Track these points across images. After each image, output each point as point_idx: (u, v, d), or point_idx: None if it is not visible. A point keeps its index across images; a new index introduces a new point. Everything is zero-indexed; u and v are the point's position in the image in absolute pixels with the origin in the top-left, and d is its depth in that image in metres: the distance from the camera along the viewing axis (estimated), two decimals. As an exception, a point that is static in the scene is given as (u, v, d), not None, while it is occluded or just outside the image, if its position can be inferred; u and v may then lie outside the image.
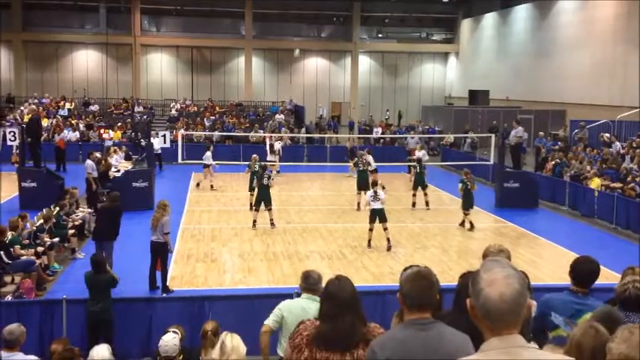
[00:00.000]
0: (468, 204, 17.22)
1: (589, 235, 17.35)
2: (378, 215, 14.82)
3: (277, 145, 25.45)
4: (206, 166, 22.50)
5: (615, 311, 3.75)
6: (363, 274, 12.95)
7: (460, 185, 17.48)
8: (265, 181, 16.59)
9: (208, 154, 22.55)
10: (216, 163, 22.81)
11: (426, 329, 3.06)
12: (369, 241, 15.09)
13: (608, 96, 28.26)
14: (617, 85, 28.20)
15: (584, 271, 4.74)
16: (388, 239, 14.96)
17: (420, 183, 20.05)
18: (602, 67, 29.28)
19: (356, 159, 21.15)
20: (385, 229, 14.90)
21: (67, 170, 25.38)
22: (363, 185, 19.21)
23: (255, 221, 16.64)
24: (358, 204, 19.27)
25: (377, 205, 14.78)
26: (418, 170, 20.20)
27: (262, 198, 16.63)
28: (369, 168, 20.58)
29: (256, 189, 16.97)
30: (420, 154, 22.33)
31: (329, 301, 3.96)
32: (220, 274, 13.10)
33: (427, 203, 19.93)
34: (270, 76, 45.75)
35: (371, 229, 15.02)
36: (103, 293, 8.93)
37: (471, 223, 17.24)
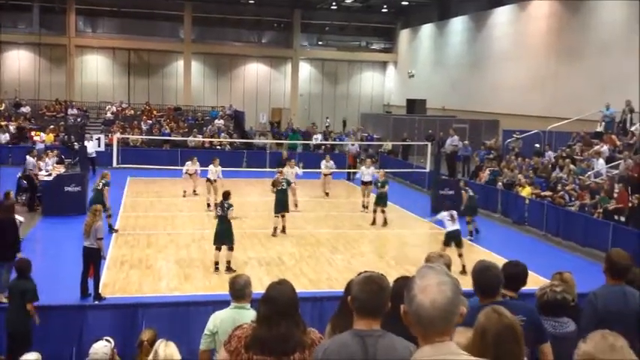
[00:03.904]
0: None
1: (520, 241, 17.84)
2: (456, 238, 13.84)
3: (298, 171, 21.50)
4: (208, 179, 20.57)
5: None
6: (301, 280, 12.94)
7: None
8: (219, 212, 13.58)
9: (212, 167, 20.59)
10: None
11: (373, 341, 2.97)
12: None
13: (539, 107, 29.20)
14: (548, 96, 29.18)
15: (509, 275, 4.66)
16: (464, 267, 13.34)
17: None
18: (534, 79, 30.24)
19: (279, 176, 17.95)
20: (460, 255, 13.72)
21: (-4, 173, 24.46)
22: (282, 207, 17.05)
23: (217, 262, 13.50)
24: (275, 229, 16.97)
25: (454, 227, 13.90)
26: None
27: (221, 234, 13.49)
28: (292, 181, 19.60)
29: (216, 222, 13.90)
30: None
31: (266, 305, 3.92)
32: (155, 281, 12.86)
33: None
34: (210, 80, 45.31)
35: (461, 255, 13.82)
36: (18, 301, 8.55)
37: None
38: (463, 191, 18.23)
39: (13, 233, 11.28)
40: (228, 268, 13.33)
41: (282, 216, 17.09)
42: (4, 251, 10.98)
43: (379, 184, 19.00)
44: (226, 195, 13.96)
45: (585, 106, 24.68)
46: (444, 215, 14.23)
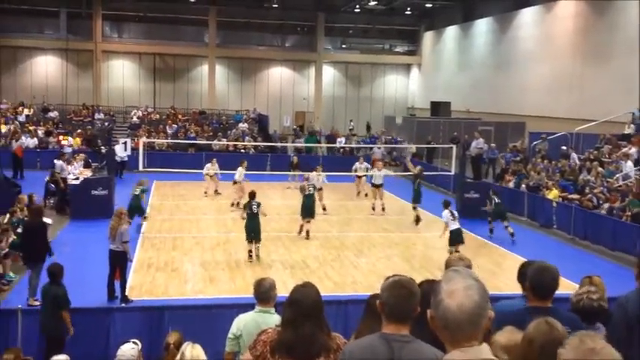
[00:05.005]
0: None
1: (547, 245, 17.63)
2: (459, 237, 14.06)
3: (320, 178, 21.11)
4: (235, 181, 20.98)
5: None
6: (325, 283, 12.92)
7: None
8: (255, 210, 14.68)
9: (241, 169, 20.92)
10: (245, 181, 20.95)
11: (400, 346, 2.91)
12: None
13: (566, 108, 28.86)
14: (574, 97, 28.83)
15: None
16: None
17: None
18: (561, 80, 29.90)
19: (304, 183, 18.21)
20: (457, 252, 13.80)
21: (25, 177, 24.84)
22: (309, 212, 17.28)
23: (250, 251, 14.68)
24: (301, 227, 17.29)
25: (456, 225, 14.16)
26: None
27: (251, 229, 14.66)
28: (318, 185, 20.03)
29: (245, 219, 14.89)
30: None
31: (291, 307, 3.90)
32: (181, 284, 12.95)
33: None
34: (234, 84, 45.58)
35: (457, 251, 13.40)
36: (50, 306, 8.72)
37: None
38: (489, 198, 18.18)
39: (42, 237, 11.45)
40: (257, 256, 14.68)
41: (308, 221, 17.19)
42: (34, 254, 11.16)
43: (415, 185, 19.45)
44: (253, 195, 15.05)
45: (613, 108, 24.35)
46: (445, 214, 14.39)
